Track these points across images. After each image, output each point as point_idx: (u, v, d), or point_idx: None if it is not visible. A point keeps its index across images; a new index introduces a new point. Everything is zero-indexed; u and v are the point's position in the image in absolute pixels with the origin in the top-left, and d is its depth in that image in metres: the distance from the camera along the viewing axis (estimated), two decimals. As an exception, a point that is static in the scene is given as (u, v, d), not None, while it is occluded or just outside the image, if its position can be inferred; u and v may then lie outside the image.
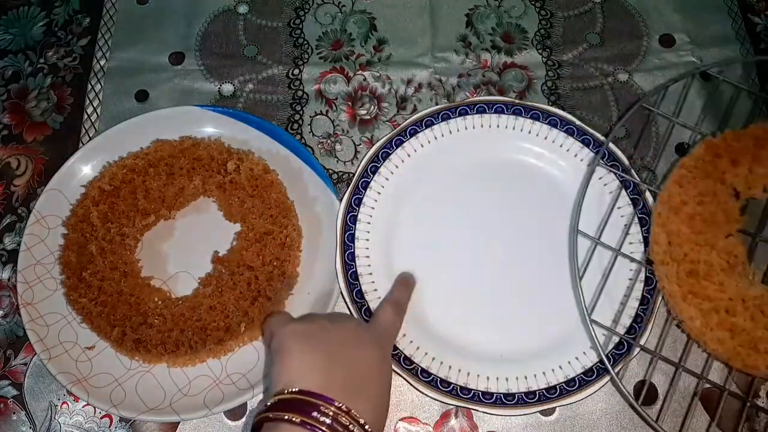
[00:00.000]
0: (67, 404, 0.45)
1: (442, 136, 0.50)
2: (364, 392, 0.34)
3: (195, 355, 0.44)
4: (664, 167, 0.49)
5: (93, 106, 0.55)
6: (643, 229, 0.45)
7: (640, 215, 0.46)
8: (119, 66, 0.56)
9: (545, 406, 0.42)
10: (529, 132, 0.49)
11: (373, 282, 0.46)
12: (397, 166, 0.49)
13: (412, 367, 0.43)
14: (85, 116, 0.54)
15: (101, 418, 0.45)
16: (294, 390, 0.32)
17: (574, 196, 0.48)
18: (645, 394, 0.42)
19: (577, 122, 0.49)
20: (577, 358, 0.43)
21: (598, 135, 0.48)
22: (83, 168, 0.50)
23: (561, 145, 0.49)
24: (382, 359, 0.38)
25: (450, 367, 0.44)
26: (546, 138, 0.49)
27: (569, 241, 0.45)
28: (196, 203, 0.50)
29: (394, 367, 0.43)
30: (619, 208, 0.46)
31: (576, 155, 0.48)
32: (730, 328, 0.38)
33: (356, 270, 0.46)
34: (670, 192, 0.41)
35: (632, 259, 0.44)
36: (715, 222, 0.40)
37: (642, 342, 0.43)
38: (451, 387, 0.43)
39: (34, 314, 0.45)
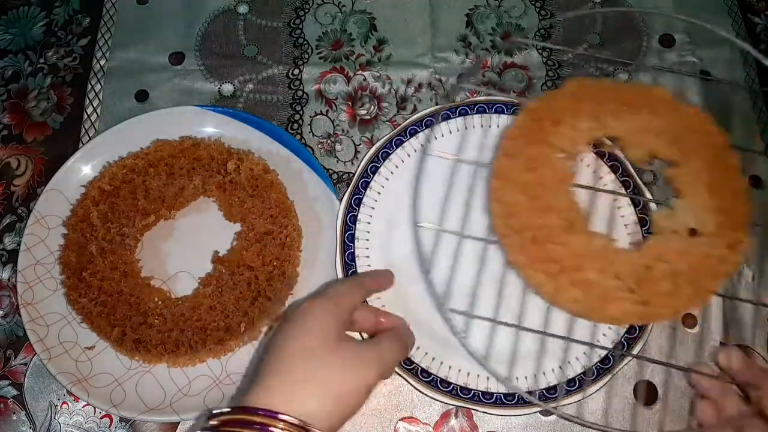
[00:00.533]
0: (67, 404, 0.45)
1: (442, 136, 0.50)
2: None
3: (195, 355, 0.44)
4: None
5: (93, 106, 0.55)
6: (645, 228, 0.45)
7: (640, 215, 0.46)
8: (119, 66, 0.56)
9: (545, 406, 0.42)
10: (529, 132, 0.49)
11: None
12: (397, 166, 0.49)
13: (412, 367, 0.43)
14: (85, 116, 0.54)
15: (101, 418, 0.45)
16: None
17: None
18: (645, 394, 0.42)
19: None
20: (577, 358, 0.43)
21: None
22: (83, 168, 0.50)
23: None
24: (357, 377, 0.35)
25: (450, 367, 0.44)
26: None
27: (413, 235, 0.45)
28: (196, 203, 0.50)
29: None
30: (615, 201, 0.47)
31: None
32: (581, 285, 0.38)
33: (356, 270, 0.46)
34: (501, 164, 0.40)
35: (475, 238, 0.43)
36: (548, 185, 0.40)
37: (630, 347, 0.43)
38: (451, 387, 0.43)
39: (34, 314, 0.45)
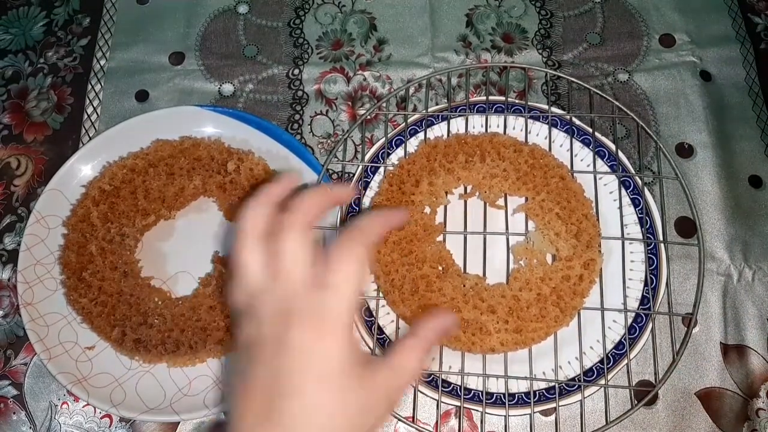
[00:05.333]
0: (67, 404, 0.45)
1: (442, 136, 0.50)
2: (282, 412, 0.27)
3: (195, 355, 0.44)
4: (664, 167, 0.49)
5: (93, 106, 0.55)
6: (644, 228, 0.45)
7: (639, 215, 0.46)
8: (119, 66, 0.56)
9: (545, 406, 0.42)
10: (529, 132, 0.49)
11: (373, 282, 0.46)
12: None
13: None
14: (85, 116, 0.54)
15: (101, 418, 0.45)
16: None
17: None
18: (645, 394, 0.42)
19: (577, 122, 0.49)
20: (576, 358, 0.43)
21: (599, 135, 0.48)
22: (83, 168, 0.50)
23: (561, 145, 0.49)
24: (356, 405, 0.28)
25: (450, 366, 0.44)
26: (546, 138, 0.49)
27: None
28: (196, 203, 0.50)
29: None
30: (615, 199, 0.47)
31: (576, 155, 0.48)
32: (460, 324, 0.42)
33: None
34: None
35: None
36: (418, 239, 0.44)
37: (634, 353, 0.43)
38: (451, 387, 0.43)
39: (34, 314, 0.45)
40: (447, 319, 0.33)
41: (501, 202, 0.47)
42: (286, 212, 0.31)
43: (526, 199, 0.46)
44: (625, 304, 0.44)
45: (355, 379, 0.28)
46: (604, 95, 0.50)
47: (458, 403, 0.43)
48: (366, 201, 0.48)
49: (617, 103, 0.49)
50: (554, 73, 0.52)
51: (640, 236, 0.45)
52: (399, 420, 0.43)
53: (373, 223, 0.32)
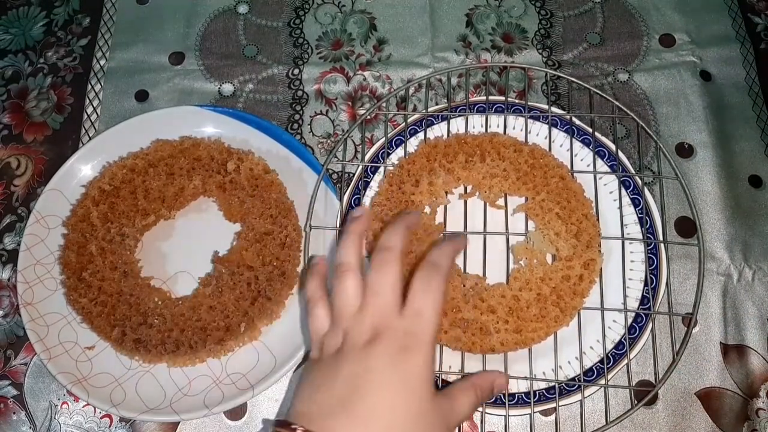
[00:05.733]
0: (67, 404, 0.45)
1: (442, 136, 0.49)
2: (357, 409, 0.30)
3: (195, 355, 0.44)
4: (664, 167, 0.49)
5: (93, 106, 0.55)
6: (644, 228, 0.45)
7: (639, 215, 0.46)
8: (119, 66, 0.56)
9: (545, 406, 0.42)
10: (529, 132, 0.49)
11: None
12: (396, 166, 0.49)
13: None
14: (85, 116, 0.54)
15: (101, 418, 0.45)
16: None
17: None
18: (645, 394, 0.42)
19: (577, 122, 0.49)
20: (576, 358, 0.43)
21: (599, 135, 0.48)
22: (83, 168, 0.50)
23: (561, 145, 0.49)
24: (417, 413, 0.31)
25: (450, 366, 0.44)
26: (546, 138, 0.49)
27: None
28: (196, 203, 0.50)
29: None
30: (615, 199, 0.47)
31: (576, 155, 0.48)
32: (460, 324, 0.42)
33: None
34: (374, 229, 0.45)
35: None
36: (418, 238, 0.44)
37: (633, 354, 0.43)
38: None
39: (34, 314, 0.45)
40: (498, 379, 0.38)
41: (501, 202, 0.47)
42: (381, 250, 0.35)
43: (526, 199, 0.46)
44: (625, 304, 0.44)
45: (426, 395, 0.32)
46: (604, 95, 0.50)
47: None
48: (366, 201, 0.48)
49: (617, 103, 0.49)
50: (554, 73, 0.52)
51: (640, 236, 0.45)
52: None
53: (445, 255, 0.36)
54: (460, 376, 0.43)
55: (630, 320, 0.44)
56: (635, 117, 0.49)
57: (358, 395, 0.31)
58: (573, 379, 0.43)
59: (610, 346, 0.43)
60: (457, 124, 0.50)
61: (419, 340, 0.32)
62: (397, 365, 0.31)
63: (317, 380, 0.32)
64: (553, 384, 0.43)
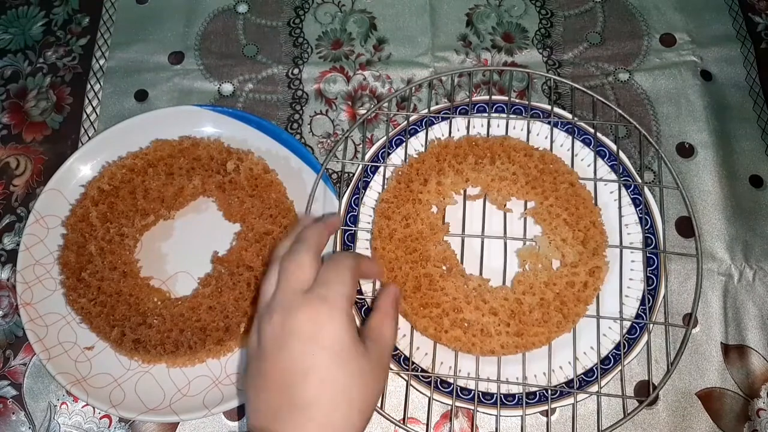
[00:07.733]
0: (67, 404, 0.45)
1: (443, 136, 0.49)
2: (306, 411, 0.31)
3: (194, 356, 0.44)
4: (665, 167, 0.49)
5: (92, 105, 0.54)
6: (646, 228, 0.45)
7: (640, 215, 0.46)
8: (118, 66, 0.56)
9: (545, 407, 0.42)
10: (529, 132, 0.49)
11: (373, 281, 0.46)
12: (397, 166, 0.49)
13: (412, 367, 0.43)
14: (85, 116, 0.54)
15: (100, 418, 0.45)
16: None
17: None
18: (645, 394, 0.42)
19: (578, 122, 0.49)
20: (577, 358, 0.43)
21: (600, 135, 0.48)
22: (82, 168, 0.50)
23: (561, 145, 0.49)
24: (360, 372, 0.33)
25: (450, 367, 0.44)
26: (546, 138, 0.49)
27: None
28: (195, 203, 0.50)
29: (393, 366, 0.43)
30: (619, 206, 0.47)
31: (577, 155, 0.48)
32: (461, 324, 0.42)
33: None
34: (380, 226, 0.45)
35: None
36: (423, 237, 0.44)
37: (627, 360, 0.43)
38: (450, 387, 0.43)
39: (34, 314, 0.45)
40: (392, 289, 0.40)
41: (509, 205, 0.47)
42: (296, 243, 0.37)
43: (534, 203, 0.46)
44: (621, 311, 0.44)
45: (355, 351, 0.33)
46: (607, 102, 0.50)
47: (458, 403, 0.42)
48: (366, 201, 0.48)
49: (619, 111, 0.49)
50: (558, 78, 0.52)
51: (640, 237, 0.45)
52: (396, 425, 0.43)
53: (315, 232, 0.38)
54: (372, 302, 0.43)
55: (628, 325, 0.44)
56: (637, 125, 0.48)
57: (296, 385, 0.32)
58: (573, 379, 0.43)
59: (610, 346, 0.43)
60: (458, 124, 0.50)
61: (330, 308, 0.33)
62: (317, 338, 0.32)
63: (255, 382, 0.34)
64: (553, 384, 0.43)
